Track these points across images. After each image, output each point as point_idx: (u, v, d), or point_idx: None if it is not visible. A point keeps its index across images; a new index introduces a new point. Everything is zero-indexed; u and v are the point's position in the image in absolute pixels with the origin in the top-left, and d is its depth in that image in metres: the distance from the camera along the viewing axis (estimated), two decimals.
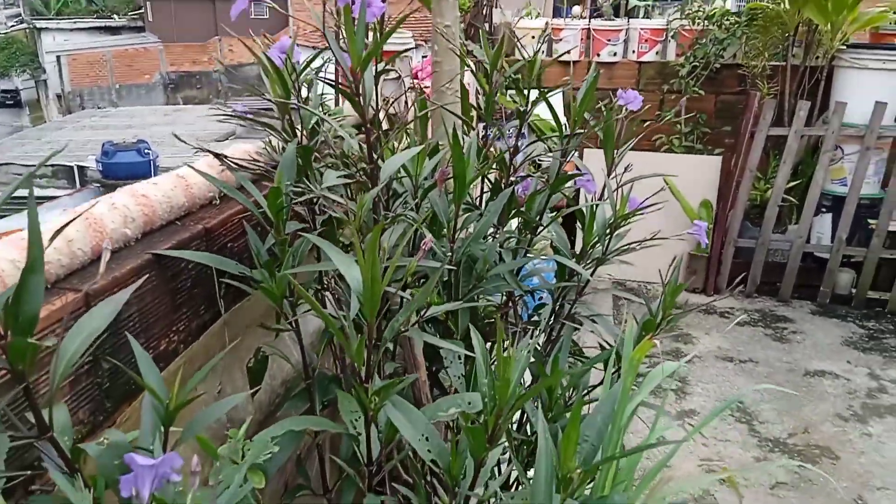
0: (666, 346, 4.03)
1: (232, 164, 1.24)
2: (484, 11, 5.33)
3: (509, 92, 4.78)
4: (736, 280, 4.66)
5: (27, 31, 20.78)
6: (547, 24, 5.24)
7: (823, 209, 4.78)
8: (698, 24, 5.07)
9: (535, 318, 1.62)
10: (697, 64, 5.02)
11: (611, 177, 1.54)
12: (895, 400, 3.52)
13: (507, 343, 0.88)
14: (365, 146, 1.13)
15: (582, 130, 1.45)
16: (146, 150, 10.89)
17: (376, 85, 1.58)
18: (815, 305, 4.66)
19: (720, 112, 5.20)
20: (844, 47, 4.63)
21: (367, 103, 1.06)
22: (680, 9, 5.23)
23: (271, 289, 1.12)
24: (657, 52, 5.26)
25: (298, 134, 1.30)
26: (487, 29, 5.06)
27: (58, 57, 19.76)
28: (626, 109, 1.58)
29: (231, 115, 1.33)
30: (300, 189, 1.13)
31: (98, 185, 10.85)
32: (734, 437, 3.20)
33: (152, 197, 1.21)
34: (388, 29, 1.06)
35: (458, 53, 1.78)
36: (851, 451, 3.13)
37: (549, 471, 0.71)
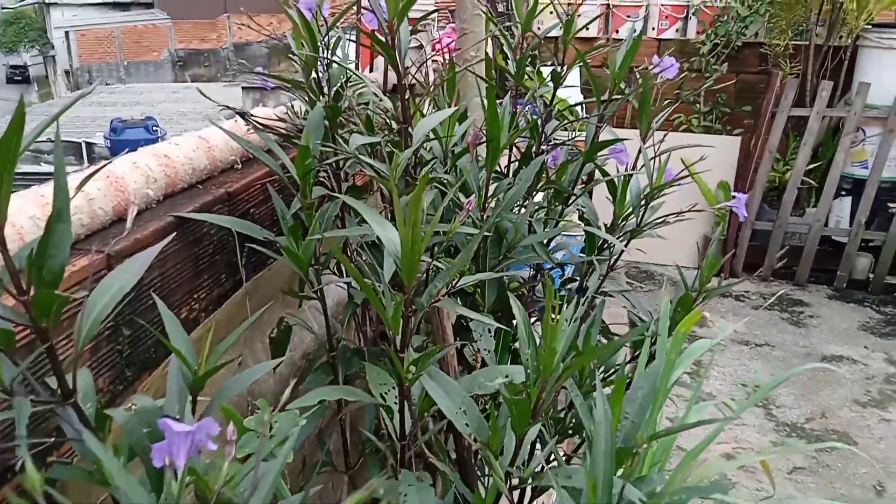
0: None
1: (258, 125, 1.19)
2: None
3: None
4: (757, 262, 4.60)
5: (36, 6, 20.68)
6: None
7: (843, 192, 4.69)
8: (720, 0, 4.97)
9: (562, 293, 1.57)
10: (718, 42, 4.92)
11: (646, 146, 1.49)
12: None
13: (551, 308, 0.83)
14: (398, 105, 1.07)
15: (619, 97, 1.39)
16: (154, 127, 10.86)
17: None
18: (832, 290, 4.60)
19: (740, 92, 5.10)
20: (869, 27, 4.53)
21: (403, 58, 1.01)
22: None
23: (297, 255, 1.07)
24: (677, 30, 5.16)
25: (325, 94, 1.24)
26: (505, 4, 4.97)
27: (66, 32, 19.68)
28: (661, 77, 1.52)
29: (256, 74, 1.27)
30: (329, 149, 1.07)
31: (106, 161, 10.84)
32: (751, 421, 3.15)
33: (174, 158, 1.16)
34: None
35: (486, 16, 1.72)
36: (870, 437, 3.08)
37: (608, 442, 0.66)
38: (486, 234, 1.21)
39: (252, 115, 1.18)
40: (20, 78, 21.95)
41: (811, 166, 4.65)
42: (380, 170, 1.04)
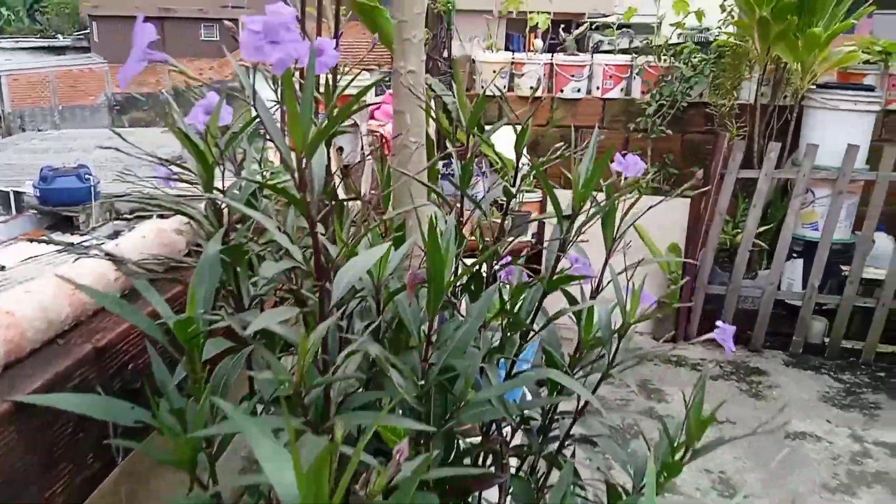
0: (639, 405, 3.77)
1: (131, 269, 0.93)
2: (443, 44, 5.08)
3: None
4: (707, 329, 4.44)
5: None
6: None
7: (794, 254, 4.61)
8: (665, 60, 4.90)
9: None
10: (664, 102, 4.84)
11: (610, 259, 1.27)
12: (881, 466, 3.31)
13: None
14: (311, 258, 0.82)
15: (583, 212, 1.17)
16: (87, 176, 10.38)
17: (328, 147, 1.29)
18: (788, 355, 4.47)
19: (688, 152, 5.03)
20: (814, 87, 4.50)
21: (314, 201, 0.77)
22: (646, 42, 5.04)
23: (177, 454, 0.81)
24: (622, 89, 5.06)
25: (226, 220, 1.00)
26: (446, 62, 4.82)
27: None
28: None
29: (143, 199, 1.02)
30: (218, 317, 0.82)
31: (35, 211, 10.32)
32: None
33: (19, 315, 0.89)
34: (343, 107, 0.76)
35: (424, 105, 1.50)
36: None
37: None
38: (422, 409, 0.96)
39: (120, 259, 0.92)
40: None
41: (762, 228, 4.56)
42: (290, 340, 0.79)
